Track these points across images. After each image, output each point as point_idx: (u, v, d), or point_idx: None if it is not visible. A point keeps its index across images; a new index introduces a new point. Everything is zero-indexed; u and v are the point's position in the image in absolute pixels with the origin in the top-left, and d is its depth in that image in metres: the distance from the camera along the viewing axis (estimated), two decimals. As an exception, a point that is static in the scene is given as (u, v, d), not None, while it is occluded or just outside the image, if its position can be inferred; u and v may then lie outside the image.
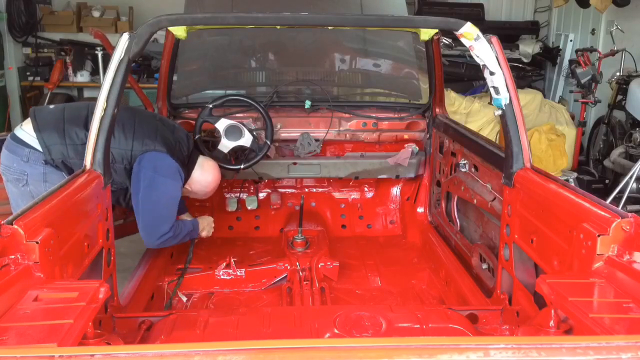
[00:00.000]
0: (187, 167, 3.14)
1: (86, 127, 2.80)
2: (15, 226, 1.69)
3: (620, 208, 2.49)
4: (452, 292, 3.12)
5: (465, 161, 3.22)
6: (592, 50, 6.87)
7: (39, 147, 2.82)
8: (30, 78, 8.18)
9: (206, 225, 3.50)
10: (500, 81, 2.36)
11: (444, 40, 3.99)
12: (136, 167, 2.91)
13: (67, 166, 2.85)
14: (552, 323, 1.78)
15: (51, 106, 3.16)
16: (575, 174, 6.07)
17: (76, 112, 2.96)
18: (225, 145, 3.57)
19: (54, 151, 2.82)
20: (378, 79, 4.73)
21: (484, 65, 2.37)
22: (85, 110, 2.95)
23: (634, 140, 5.65)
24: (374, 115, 4.00)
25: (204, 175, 3.23)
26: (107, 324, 2.30)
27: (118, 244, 2.67)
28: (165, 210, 2.99)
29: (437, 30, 3.23)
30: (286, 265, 3.33)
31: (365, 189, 4.39)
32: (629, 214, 1.81)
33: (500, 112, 2.43)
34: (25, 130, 2.87)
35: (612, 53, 6.44)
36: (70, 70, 8.05)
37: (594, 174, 6.32)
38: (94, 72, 8.08)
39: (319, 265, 3.31)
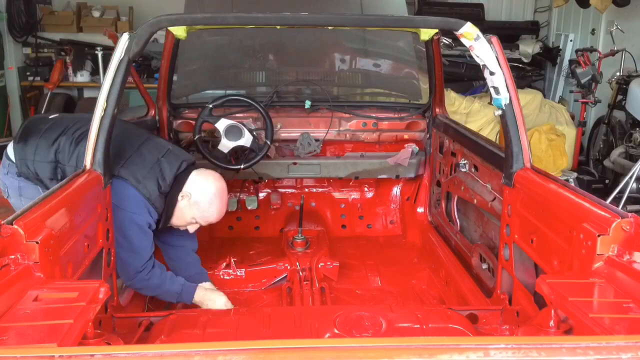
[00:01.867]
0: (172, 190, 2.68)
1: (55, 144, 2.69)
2: (15, 226, 1.69)
3: (620, 208, 2.48)
4: (452, 292, 3.12)
5: (465, 161, 3.22)
6: (592, 50, 6.86)
7: (14, 159, 2.76)
8: (30, 78, 8.18)
9: (209, 300, 2.80)
10: (500, 81, 2.36)
11: (444, 40, 3.99)
12: None
13: (41, 181, 2.74)
14: (552, 323, 1.78)
15: (50, 116, 2.94)
16: (575, 174, 6.07)
17: (57, 127, 2.77)
18: (225, 145, 3.57)
19: (22, 166, 2.72)
20: (378, 79, 4.73)
21: (484, 65, 2.37)
22: (70, 124, 2.77)
23: (634, 140, 5.65)
24: (374, 115, 4.00)
25: (202, 194, 2.70)
26: (107, 324, 2.30)
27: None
28: (134, 243, 2.58)
29: (437, 30, 3.23)
30: (286, 265, 3.33)
31: (365, 189, 4.39)
32: (629, 214, 1.81)
33: (500, 112, 2.43)
34: (12, 145, 2.81)
35: (612, 53, 6.44)
36: (70, 70, 8.05)
37: (594, 174, 6.32)
38: (94, 72, 8.08)
39: (319, 265, 3.31)
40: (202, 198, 2.70)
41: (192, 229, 2.81)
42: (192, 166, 2.79)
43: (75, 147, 2.67)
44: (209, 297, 2.81)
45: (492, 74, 2.36)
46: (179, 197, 2.68)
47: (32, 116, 3.00)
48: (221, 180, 2.79)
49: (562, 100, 8.10)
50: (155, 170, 2.63)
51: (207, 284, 2.95)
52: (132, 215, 2.57)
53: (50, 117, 2.93)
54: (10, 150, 2.79)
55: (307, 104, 3.94)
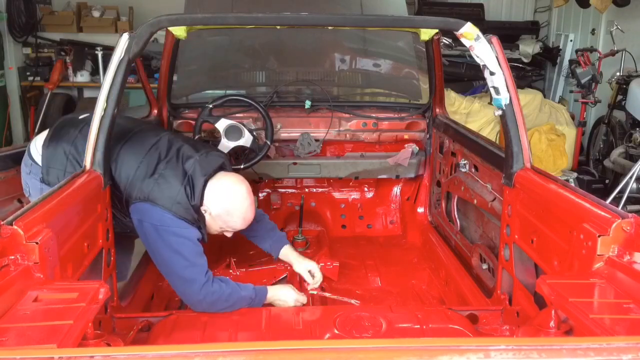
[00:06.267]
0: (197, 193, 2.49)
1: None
2: (15, 226, 1.68)
3: (620, 208, 2.48)
4: (452, 292, 3.12)
5: (465, 161, 3.22)
6: (592, 50, 6.87)
7: (39, 162, 2.61)
8: (30, 78, 8.17)
9: (281, 296, 2.71)
10: (500, 81, 2.36)
11: (444, 40, 3.99)
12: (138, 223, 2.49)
13: None
14: (552, 324, 1.77)
15: (81, 117, 2.74)
16: (575, 174, 6.07)
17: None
18: (225, 145, 3.57)
19: (48, 174, 2.57)
20: (378, 79, 4.73)
21: (484, 66, 2.37)
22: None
23: (634, 140, 5.65)
24: (374, 115, 4.00)
25: (219, 208, 2.52)
26: (107, 325, 2.30)
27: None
28: (191, 257, 2.49)
29: (437, 30, 3.23)
30: (286, 265, 3.32)
31: (365, 189, 4.38)
32: (629, 214, 1.81)
33: (500, 112, 2.43)
34: (36, 143, 2.66)
35: (612, 53, 6.44)
36: (70, 70, 8.05)
37: (594, 174, 6.32)
38: (94, 72, 8.08)
39: (319, 265, 3.30)
40: (220, 211, 2.54)
41: (228, 234, 2.71)
42: (218, 170, 2.58)
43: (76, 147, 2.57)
44: (279, 297, 2.70)
45: (492, 74, 2.36)
46: (203, 212, 2.55)
47: (63, 117, 2.85)
48: (238, 185, 2.56)
49: (562, 100, 8.10)
50: (183, 192, 2.46)
51: (287, 248, 3.06)
52: (180, 230, 2.46)
53: (81, 117, 2.73)
54: (34, 149, 2.65)
55: (307, 104, 3.94)
